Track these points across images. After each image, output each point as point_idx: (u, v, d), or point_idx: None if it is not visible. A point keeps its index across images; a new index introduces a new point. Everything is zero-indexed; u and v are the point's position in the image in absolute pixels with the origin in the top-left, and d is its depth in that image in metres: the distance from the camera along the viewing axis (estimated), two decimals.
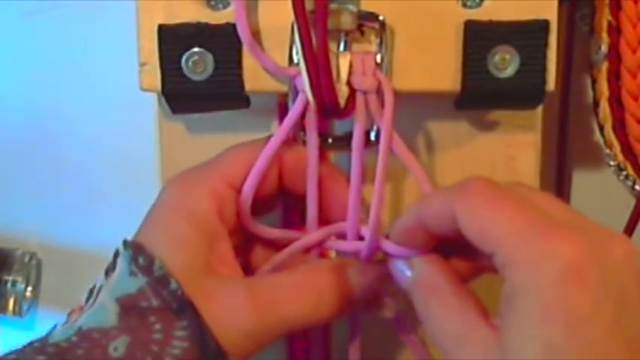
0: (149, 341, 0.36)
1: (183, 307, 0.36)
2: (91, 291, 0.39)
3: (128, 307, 0.37)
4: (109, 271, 0.39)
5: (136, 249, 0.38)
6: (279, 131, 0.40)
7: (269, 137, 0.41)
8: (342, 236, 0.41)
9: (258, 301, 0.37)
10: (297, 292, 0.38)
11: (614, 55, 0.46)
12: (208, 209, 0.39)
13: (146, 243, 0.38)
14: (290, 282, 0.39)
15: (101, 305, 0.37)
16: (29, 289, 0.54)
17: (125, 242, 0.39)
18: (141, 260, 0.37)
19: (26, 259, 0.54)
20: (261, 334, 0.37)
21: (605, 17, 0.45)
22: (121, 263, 0.38)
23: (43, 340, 0.37)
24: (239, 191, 0.40)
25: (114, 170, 0.52)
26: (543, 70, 0.41)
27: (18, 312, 0.54)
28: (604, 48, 0.46)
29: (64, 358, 0.36)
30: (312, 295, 0.38)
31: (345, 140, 0.41)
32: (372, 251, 0.40)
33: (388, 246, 0.39)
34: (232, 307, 0.37)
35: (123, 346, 0.36)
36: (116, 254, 0.39)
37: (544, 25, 0.41)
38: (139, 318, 0.36)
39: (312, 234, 0.42)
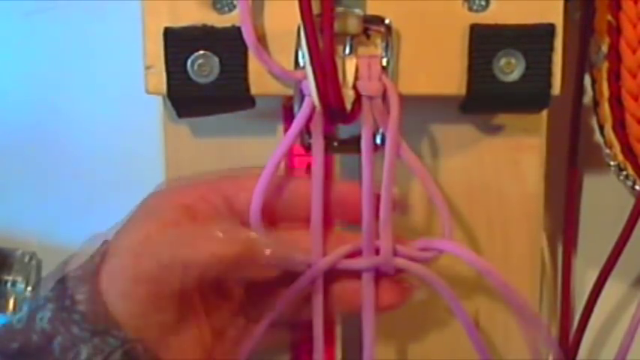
0: None
1: None
2: None
3: None
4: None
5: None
6: (288, 136, 0.40)
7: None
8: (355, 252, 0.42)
9: None
10: None
11: (614, 55, 0.46)
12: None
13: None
14: None
15: None
16: (29, 289, 0.54)
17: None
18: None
19: (26, 259, 0.53)
20: None
21: (605, 17, 0.45)
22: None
23: None
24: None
25: (116, 171, 0.51)
26: (549, 74, 0.41)
27: (18, 312, 0.54)
28: (604, 48, 0.46)
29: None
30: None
31: (351, 143, 0.41)
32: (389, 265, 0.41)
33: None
34: None
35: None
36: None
37: (550, 29, 0.41)
38: None
39: (322, 260, 0.41)
